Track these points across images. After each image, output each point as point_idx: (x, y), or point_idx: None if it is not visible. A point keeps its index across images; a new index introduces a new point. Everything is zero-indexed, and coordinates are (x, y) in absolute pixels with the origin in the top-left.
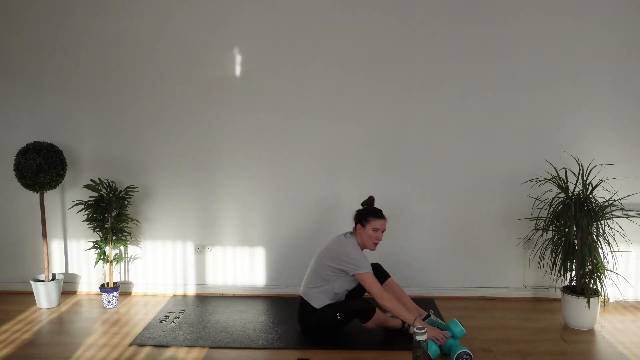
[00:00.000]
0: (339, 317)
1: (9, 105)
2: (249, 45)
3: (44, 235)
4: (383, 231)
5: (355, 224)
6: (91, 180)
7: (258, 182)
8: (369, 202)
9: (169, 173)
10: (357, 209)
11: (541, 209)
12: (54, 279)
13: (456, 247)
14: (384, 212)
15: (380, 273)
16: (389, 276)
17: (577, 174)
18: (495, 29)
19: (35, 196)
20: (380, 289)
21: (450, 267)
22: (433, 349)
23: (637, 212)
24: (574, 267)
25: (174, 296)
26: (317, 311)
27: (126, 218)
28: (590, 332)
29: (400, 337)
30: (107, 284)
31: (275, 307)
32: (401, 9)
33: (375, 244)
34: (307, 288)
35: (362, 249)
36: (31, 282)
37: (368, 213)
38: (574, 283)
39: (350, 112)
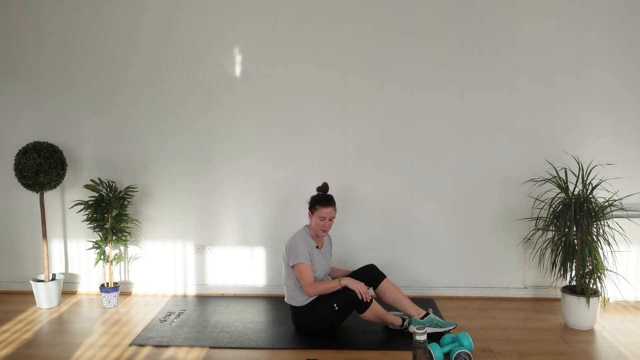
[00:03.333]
0: (336, 308)
1: (9, 105)
2: (249, 45)
3: (44, 235)
4: (331, 219)
5: (310, 206)
6: (91, 180)
7: (258, 182)
8: (322, 189)
9: (169, 173)
10: (315, 197)
11: (541, 209)
12: (54, 279)
13: (456, 247)
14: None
15: (375, 275)
16: (385, 277)
17: (577, 174)
18: (495, 29)
19: (35, 196)
20: (310, 280)
21: (450, 267)
22: (437, 354)
23: (637, 212)
24: (574, 267)
25: (174, 296)
26: (307, 308)
27: (126, 218)
28: (590, 332)
29: (400, 337)
30: (107, 284)
31: (275, 307)
32: (401, 9)
33: (324, 231)
34: (285, 290)
35: (315, 236)
36: (31, 282)
37: (316, 201)
38: (574, 283)
39: (350, 112)
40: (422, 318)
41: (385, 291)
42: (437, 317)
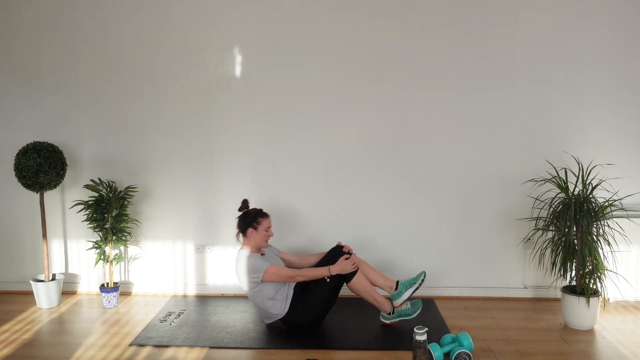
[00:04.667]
0: (328, 280)
1: (9, 105)
2: (249, 45)
3: (44, 235)
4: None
5: (245, 230)
6: (91, 180)
7: (258, 182)
8: (245, 206)
9: (169, 173)
10: (238, 215)
11: (541, 209)
12: (54, 279)
13: (456, 247)
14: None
15: (343, 255)
16: (352, 254)
17: (577, 174)
18: (494, 29)
19: (35, 196)
20: (287, 271)
21: (450, 267)
22: (437, 354)
23: (637, 212)
24: (574, 267)
25: (174, 296)
26: (293, 310)
27: (126, 218)
28: (590, 332)
29: (400, 337)
30: (107, 284)
31: None
32: (401, 9)
33: (267, 241)
34: (260, 313)
35: (256, 250)
36: (31, 282)
37: (256, 215)
38: (574, 283)
39: (350, 112)
40: (396, 289)
41: (360, 282)
42: (405, 280)
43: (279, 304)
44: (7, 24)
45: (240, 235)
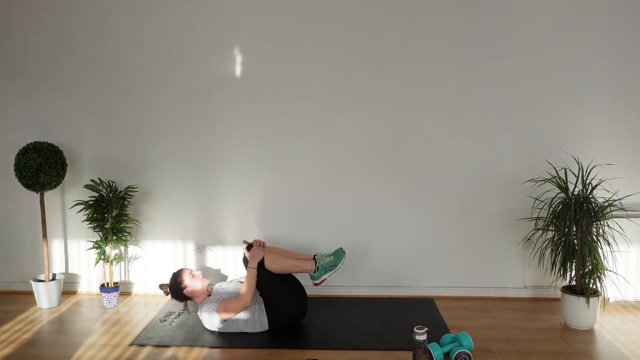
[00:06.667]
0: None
1: (9, 105)
2: (249, 45)
3: (44, 235)
4: (192, 272)
5: (185, 297)
6: (91, 180)
7: (258, 182)
8: (165, 288)
9: (169, 173)
10: (172, 298)
11: (541, 209)
12: (54, 279)
13: (456, 247)
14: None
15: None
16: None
17: (577, 174)
18: (495, 30)
19: (35, 196)
20: (235, 303)
21: (450, 267)
22: (437, 354)
23: (637, 212)
24: (573, 267)
25: None
26: (275, 313)
27: (126, 218)
28: (590, 332)
29: (401, 337)
30: (107, 284)
31: None
32: (401, 9)
33: (202, 275)
34: (255, 330)
35: (207, 293)
36: (31, 282)
37: (176, 280)
38: (573, 283)
39: (350, 112)
40: (315, 272)
41: (272, 259)
42: (323, 256)
43: (257, 320)
44: (7, 24)
45: (189, 301)
